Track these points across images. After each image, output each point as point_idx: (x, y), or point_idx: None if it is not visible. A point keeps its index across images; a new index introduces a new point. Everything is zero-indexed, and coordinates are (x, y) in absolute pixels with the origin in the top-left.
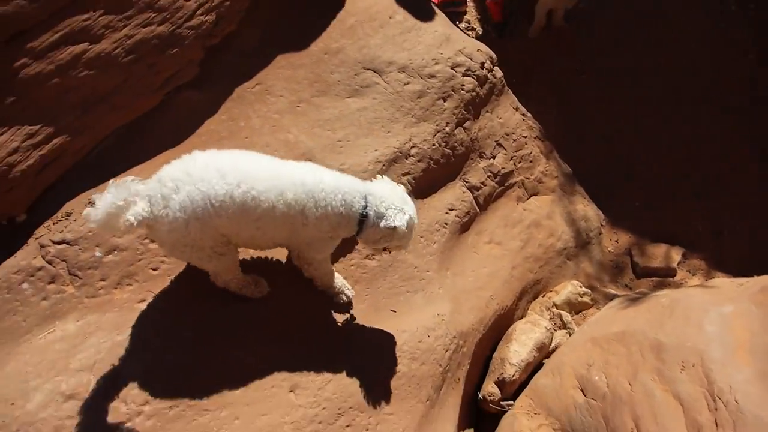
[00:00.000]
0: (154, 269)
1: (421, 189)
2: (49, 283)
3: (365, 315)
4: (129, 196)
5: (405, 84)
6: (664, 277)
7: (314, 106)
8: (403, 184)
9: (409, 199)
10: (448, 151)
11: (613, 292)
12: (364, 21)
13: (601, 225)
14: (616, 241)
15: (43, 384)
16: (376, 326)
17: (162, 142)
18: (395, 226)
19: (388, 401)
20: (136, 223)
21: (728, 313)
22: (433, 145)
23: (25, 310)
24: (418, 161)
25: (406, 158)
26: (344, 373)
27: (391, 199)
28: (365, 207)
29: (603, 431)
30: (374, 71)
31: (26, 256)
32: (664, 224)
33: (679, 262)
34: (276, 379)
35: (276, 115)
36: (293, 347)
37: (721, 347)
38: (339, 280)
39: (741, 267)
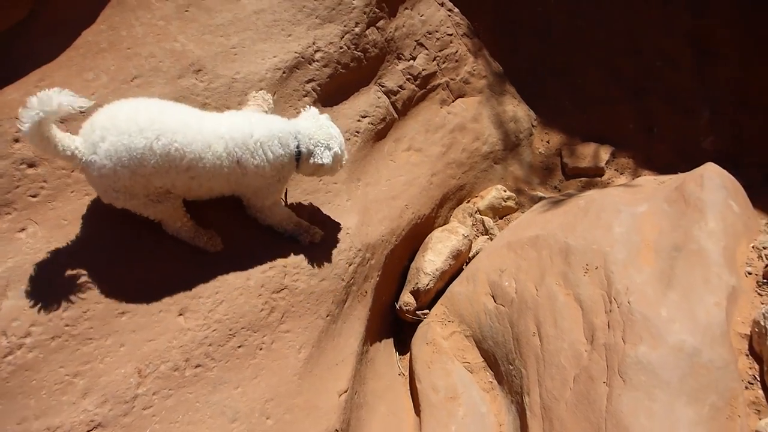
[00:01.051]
0: (33, 196)
1: (330, 96)
2: None
3: (263, 233)
4: (54, 107)
5: None
6: (592, 177)
7: (205, 10)
8: (307, 92)
9: (335, 131)
10: (359, 54)
11: (541, 194)
12: None
13: (533, 126)
14: (548, 142)
15: None
16: (274, 243)
17: (35, 56)
18: (322, 163)
19: (282, 319)
20: (71, 155)
21: (640, 212)
22: (341, 48)
23: None
24: (324, 66)
25: (310, 63)
26: (237, 293)
27: (317, 136)
28: (298, 146)
29: (509, 336)
30: None
31: None
32: (596, 123)
33: (607, 161)
34: (164, 304)
35: (161, 22)
36: (188, 269)
37: (626, 248)
38: (301, 222)
39: (669, 163)
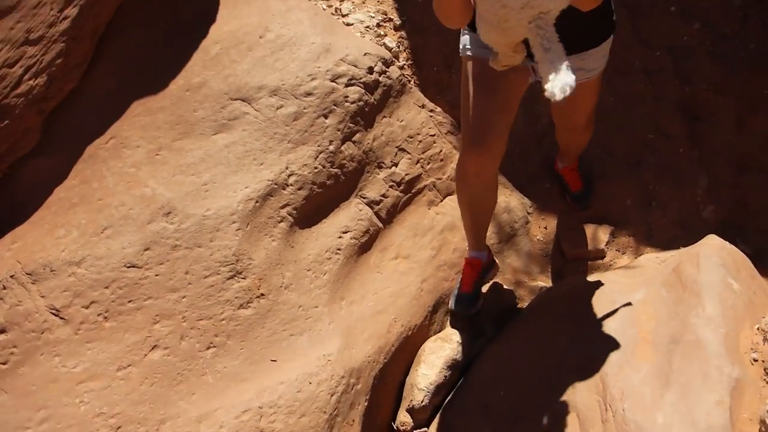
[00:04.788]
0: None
1: (307, 217)
2: None
3: (237, 371)
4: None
5: (278, 108)
6: (594, 260)
7: (176, 151)
8: (283, 218)
9: None
10: (335, 170)
11: (542, 284)
12: (230, 47)
13: (528, 213)
14: (545, 228)
15: None
16: (250, 383)
17: (7, 221)
18: None
19: None
20: None
21: (637, 301)
22: (315, 168)
23: None
24: (299, 189)
25: (284, 189)
26: None
27: None
28: None
29: None
30: (242, 100)
31: None
32: (593, 202)
33: (607, 242)
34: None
35: (132, 169)
36: None
37: (621, 346)
38: None
39: (672, 237)
